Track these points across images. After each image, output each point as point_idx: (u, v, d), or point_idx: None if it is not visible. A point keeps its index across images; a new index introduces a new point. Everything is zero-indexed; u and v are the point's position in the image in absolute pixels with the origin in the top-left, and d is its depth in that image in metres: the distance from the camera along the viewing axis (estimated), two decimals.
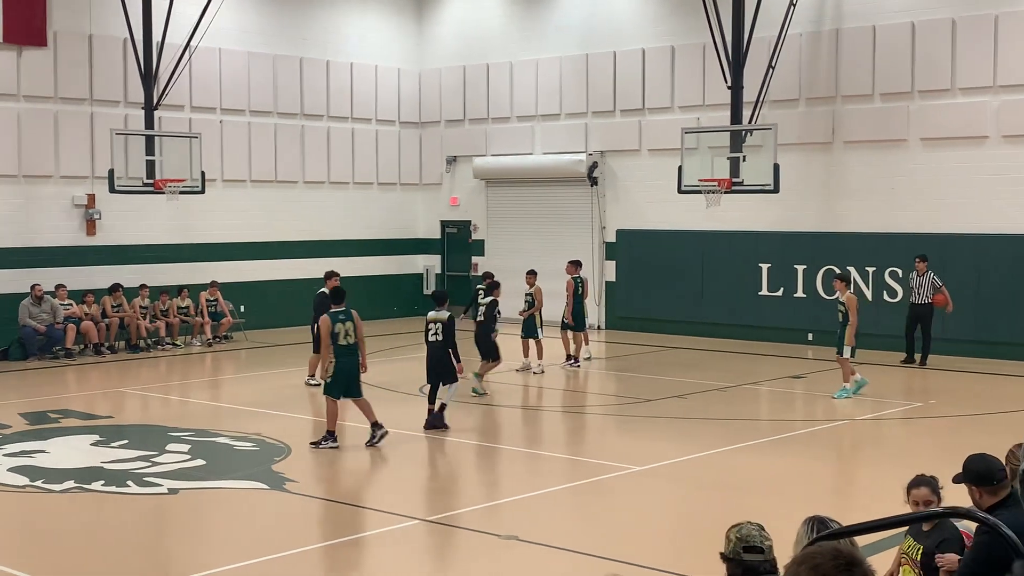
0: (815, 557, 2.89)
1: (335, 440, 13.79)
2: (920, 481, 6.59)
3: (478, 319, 18.30)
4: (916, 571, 6.53)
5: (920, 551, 6.48)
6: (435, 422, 14.79)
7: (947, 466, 6.69)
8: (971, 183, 21.08)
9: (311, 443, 13.90)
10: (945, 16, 21.27)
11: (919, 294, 20.16)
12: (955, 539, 6.39)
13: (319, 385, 16.80)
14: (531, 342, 19.92)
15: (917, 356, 20.26)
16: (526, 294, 20.23)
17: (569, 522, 11.03)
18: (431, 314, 15.12)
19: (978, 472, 6.01)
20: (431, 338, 14.98)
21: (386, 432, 13.88)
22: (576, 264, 21.02)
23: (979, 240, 20.91)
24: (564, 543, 10.00)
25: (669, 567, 9.27)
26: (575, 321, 20.40)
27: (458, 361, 14.98)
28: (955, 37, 21.18)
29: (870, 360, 20.56)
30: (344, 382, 13.79)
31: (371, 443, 13.77)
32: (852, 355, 17.02)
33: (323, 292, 17.42)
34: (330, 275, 18.17)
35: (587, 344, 21.27)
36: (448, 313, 15.07)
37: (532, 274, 20.40)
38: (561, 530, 10.57)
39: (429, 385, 15.25)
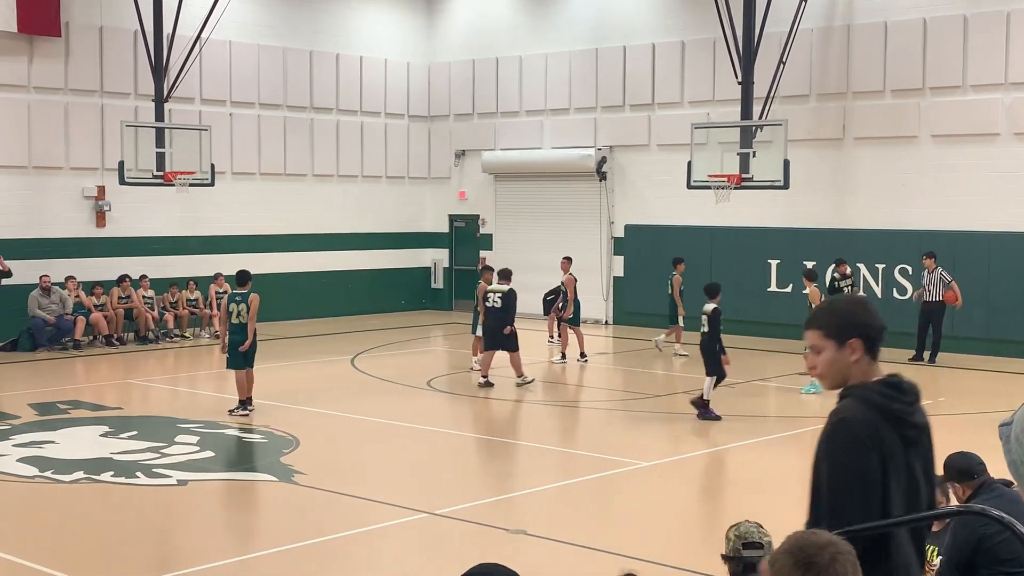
0: (797, 556, 2.99)
1: (240, 405, 15.35)
2: None
3: (493, 306, 18.15)
4: (932, 572, 6.55)
5: (934, 552, 6.50)
6: (706, 414, 15.15)
7: None
8: (981, 180, 21.03)
9: (229, 411, 15.35)
10: (956, 13, 21.21)
11: (929, 291, 20.14)
12: None
13: (531, 381, 17.70)
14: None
15: (926, 354, 20.25)
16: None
17: (577, 517, 11.04)
18: (705, 307, 15.59)
19: (959, 469, 6.38)
20: (703, 330, 15.44)
21: (251, 410, 15.27)
22: (570, 260, 21.27)
23: (989, 238, 20.86)
24: (572, 538, 10.00)
25: (676, 563, 9.27)
26: (575, 316, 20.58)
27: (723, 353, 15.57)
28: (966, 34, 21.12)
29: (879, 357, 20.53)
30: (240, 354, 15.36)
31: (233, 412, 15.28)
32: None
33: (512, 290, 18.08)
34: (504, 274, 18.37)
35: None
36: (714, 306, 15.50)
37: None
38: (569, 525, 10.57)
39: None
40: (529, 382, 17.77)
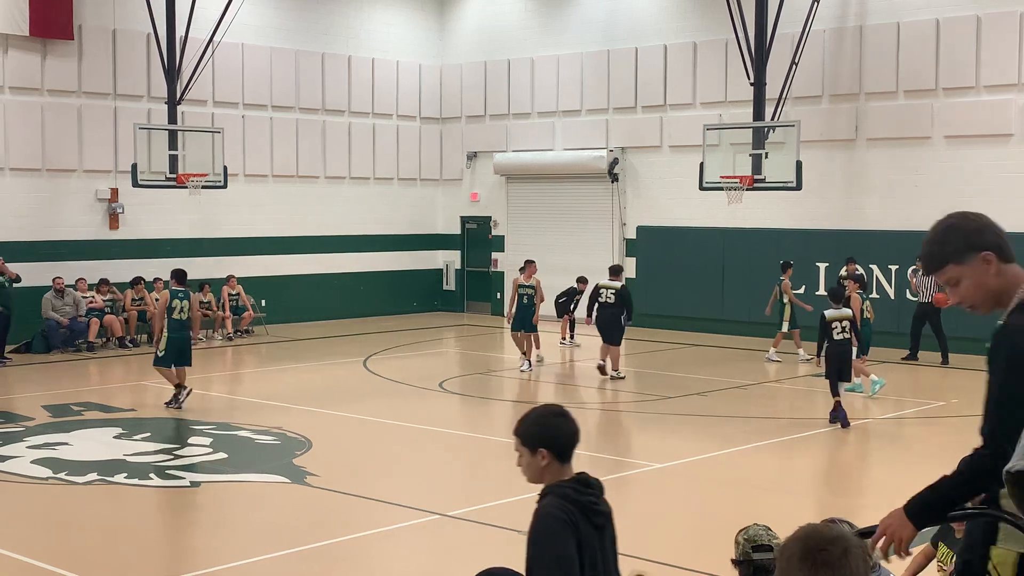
0: (804, 551, 2.96)
1: (185, 392, 15.77)
2: None
3: (606, 302, 18.64)
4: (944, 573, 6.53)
5: (950, 556, 6.48)
6: (840, 417, 14.84)
7: None
8: (995, 181, 20.96)
9: (166, 403, 15.81)
10: (970, 13, 21.15)
11: (924, 292, 20.19)
12: None
13: (623, 377, 18.49)
14: (527, 336, 19.80)
15: (920, 354, 20.33)
16: (527, 286, 20.00)
17: None
18: (832, 312, 15.11)
19: None
20: (838, 336, 15.05)
21: (189, 391, 15.84)
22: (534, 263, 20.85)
23: None
24: None
25: (689, 564, 9.26)
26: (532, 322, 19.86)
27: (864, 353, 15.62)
28: (980, 34, 21.06)
29: (891, 359, 20.50)
30: (175, 353, 15.69)
31: (171, 404, 15.72)
32: (860, 353, 16.55)
33: (624, 286, 19.12)
34: (616, 270, 19.39)
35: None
36: (851, 311, 15.27)
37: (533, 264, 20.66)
38: None
39: (829, 380, 15.19)
40: (621, 377, 18.48)
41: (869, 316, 17.51)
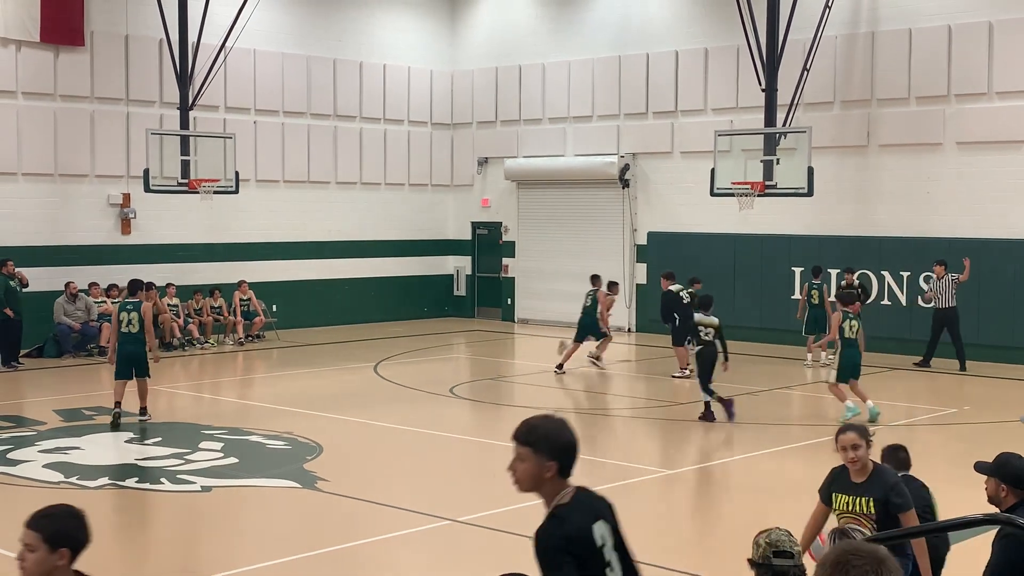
0: (839, 557, 2.94)
1: (118, 411, 15.25)
2: (848, 427, 6.69)
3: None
4: (871, 525, 6.48)
5: (871, 503, 6.47)
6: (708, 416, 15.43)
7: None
8: (1007, 187, 20.91)
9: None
10: (982, 19, 21.10)
11: (941, 298, 20.13)
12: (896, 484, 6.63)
13: (686, 377, 18.88)
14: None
15: (936, 361, 20.25)
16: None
17: None
18: (700, 318, 15.69)
19: (1016, 475, 5.91)
20: (705, 338, 15.50)
21: (148, 418, 15.34)
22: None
23: (1015, 245, 20.72)
24: None
25: (698, 570, 9.23)
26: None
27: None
28: (992, 40, 21.01)
29: (903, 364, 20.44)
30: (126, 364, 15.19)
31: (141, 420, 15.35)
32: (838, 379, 15.44)
33: (670, 291, 20.00)
34: (668, 275, 20.34)
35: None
36: (717, 320, 15.66)
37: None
38: None
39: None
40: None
41: (853, 336, 15.45)
